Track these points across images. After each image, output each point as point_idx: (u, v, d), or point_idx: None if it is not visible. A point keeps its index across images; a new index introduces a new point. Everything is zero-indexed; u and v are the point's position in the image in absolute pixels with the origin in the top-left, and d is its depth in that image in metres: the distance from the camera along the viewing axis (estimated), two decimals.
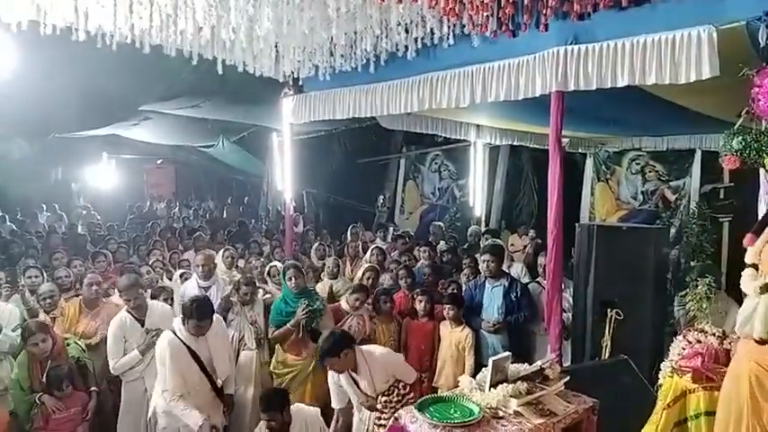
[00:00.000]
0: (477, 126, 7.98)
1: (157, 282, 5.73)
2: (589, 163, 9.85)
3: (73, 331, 4.47)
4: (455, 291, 5.27)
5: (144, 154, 15.44)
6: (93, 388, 4.19)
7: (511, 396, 2.57)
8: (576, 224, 4.47)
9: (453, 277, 5.91)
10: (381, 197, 12.24)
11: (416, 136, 11.47)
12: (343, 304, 4.95)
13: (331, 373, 3.84)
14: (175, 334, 3.86)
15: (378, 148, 12.10)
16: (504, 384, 2.64)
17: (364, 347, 3.80)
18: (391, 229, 9.77)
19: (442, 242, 7.79)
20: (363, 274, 5.64)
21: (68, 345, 4.19)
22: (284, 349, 4.68)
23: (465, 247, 7.56)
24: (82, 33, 4.02)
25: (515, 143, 8.67)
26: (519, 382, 2.66)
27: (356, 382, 3.75)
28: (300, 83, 6.13)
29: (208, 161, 13.61)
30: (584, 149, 9.63)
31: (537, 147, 8.45)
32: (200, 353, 3.90)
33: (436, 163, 11.89)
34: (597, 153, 9.69)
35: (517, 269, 6.26)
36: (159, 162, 17.90)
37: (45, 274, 5.31)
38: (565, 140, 6.63)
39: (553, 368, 2.86)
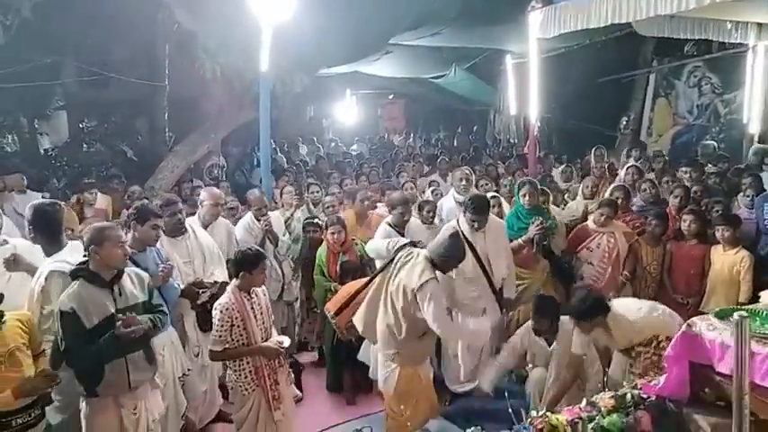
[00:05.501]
0: (759, 25, 6.70)
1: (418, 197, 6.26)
2: None
3: (353, 235, 5.14)
4: (720, 211, 4.79)
5: (378, 89, 16.53)
6: None
7: None
8: None
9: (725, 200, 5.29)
10: (625, 119, 11.17)
11: (669, 47, 10.15)
12: (590, 223, 4.86)
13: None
14: (458, 225, 4.40)
15: (621, 63, 10.93)
16: None
17: (620, 311, 3.25)
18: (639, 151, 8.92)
19: (709, 165, 6.93)
20: (611, 193, 5.44)
21: (356, 244, 4.93)
22: (515, 263, 4.73)
23: (742, 167, 6.61)
24: None
25: None
26: None
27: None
28: None
29: (436, 93, 13.90)
30: None
31: None
32: (476, 245, 4.35)
33: (695, 76, 10.28)
34: None
35: None
36: (391, 97, 18.97)
37: (323, 190, 6.21)
38: None
39: None
